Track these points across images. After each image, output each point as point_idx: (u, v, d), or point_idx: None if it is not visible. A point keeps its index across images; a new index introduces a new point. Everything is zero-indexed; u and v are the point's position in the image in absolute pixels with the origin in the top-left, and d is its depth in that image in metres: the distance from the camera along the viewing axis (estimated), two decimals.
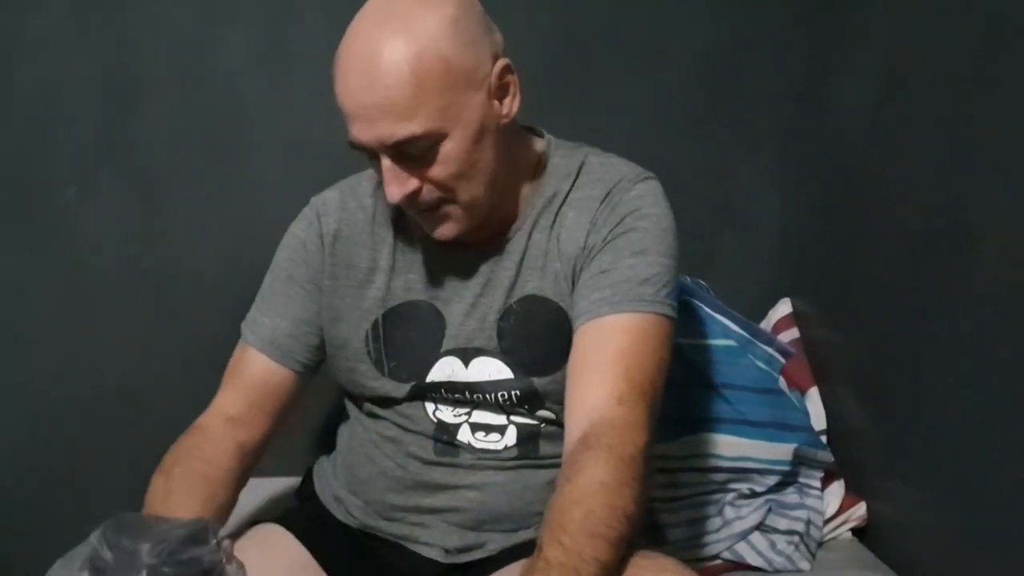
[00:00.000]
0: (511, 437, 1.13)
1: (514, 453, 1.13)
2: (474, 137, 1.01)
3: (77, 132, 1.54)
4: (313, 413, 1.52)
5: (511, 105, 1.05)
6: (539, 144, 1.17)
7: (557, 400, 1.10)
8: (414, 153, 1.00)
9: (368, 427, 1.20)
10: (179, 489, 1.05)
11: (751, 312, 1.62)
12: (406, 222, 1.15)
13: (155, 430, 1.60)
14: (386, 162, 1.00)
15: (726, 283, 1.65)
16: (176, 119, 1.55)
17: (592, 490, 0.94)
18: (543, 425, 1.13)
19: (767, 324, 1.66)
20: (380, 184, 1.04)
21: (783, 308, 1.65)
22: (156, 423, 1.62)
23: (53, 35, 1.50)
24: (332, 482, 1.25)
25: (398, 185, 1.01)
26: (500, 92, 1.04)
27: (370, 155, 1.03)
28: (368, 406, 1.19)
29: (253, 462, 1.17)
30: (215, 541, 0.87)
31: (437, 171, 1.01)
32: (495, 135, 1.04)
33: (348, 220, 1.18)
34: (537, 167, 1.15)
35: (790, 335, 1.62)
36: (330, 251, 1.17)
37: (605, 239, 1.08)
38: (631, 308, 1.04)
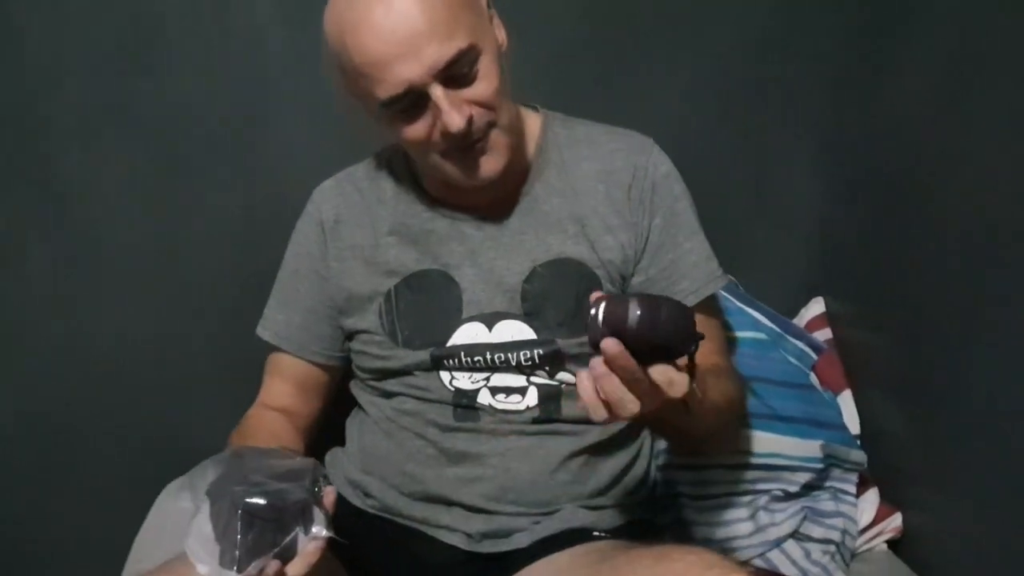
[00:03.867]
0: (532, 398, 1.13)
1: (536, 413, 1.13)
2: (496, 57, 1.04)
3: (82, 90, 1.40)
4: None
5: (502, 37, 1.09)
6: (534, 116, 1.21)
7: (579, 363, 1.10)
8: (462, 73, 1.01)
9: (382, 407, 1.18)
10: None
11: (781, 310, 1.54)
12: (407, 196, 1.18)
13: (158, 411, 1.56)
14: (438, 92, 1.00)
15: (755, 279, 1.58)
16: (192, 78, 1.42)
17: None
18: (563, 385, 1.13)
19: (798, 323, 1.58)
20: (409, 142, 1.06)
21: (815, 307, 1.59)
22: (159, 404, 1.57)
23: None
24: (346, 466, 1.22)
25: (458, 110, 1.01)
26: (494, 23, 1.08)
27: (407, 105, 1.01)
28: (382, 384, 1.17)
29: (309, 440, 1.25)
30: (310, 480, 0.90)
31: (483, 88, 1.02)
32: (502, 65, 1.06)
33: (346, 203, 1.21)
34: (536, 136, 1.18)
35: (822, 336, 1.55)
36: (332, 236, 1.19)
37: (653, 223, 1.16)
38: (712, 290, 1.18)
